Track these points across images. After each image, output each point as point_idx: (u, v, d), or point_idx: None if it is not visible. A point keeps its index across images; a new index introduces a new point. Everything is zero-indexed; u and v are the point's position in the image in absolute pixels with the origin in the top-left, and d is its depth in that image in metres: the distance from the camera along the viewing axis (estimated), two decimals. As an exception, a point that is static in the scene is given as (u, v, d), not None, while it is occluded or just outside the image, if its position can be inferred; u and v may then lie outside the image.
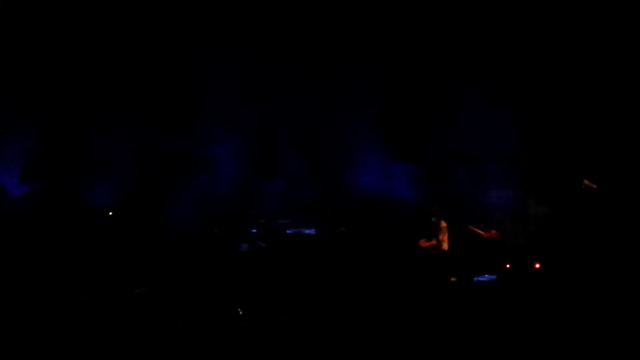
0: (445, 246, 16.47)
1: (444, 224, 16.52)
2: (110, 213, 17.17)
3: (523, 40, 17.43)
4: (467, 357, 13.47)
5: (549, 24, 17.44)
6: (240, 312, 14.18)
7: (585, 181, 16.71)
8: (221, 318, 14.37)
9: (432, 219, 16.61)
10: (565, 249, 16.41)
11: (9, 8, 17.07)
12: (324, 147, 17.85)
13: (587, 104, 17.46)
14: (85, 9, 17.26)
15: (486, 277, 16.01)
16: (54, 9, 17.12)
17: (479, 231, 16.68)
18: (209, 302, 14.87)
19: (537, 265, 16.00)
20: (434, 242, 16.38)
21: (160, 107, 17.50)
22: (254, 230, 17.04)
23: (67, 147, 17.39)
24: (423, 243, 16.46)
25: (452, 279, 15.98)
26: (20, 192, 17.21)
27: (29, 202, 17.04)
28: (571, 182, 17.03)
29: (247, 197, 17.59)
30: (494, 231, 16.73)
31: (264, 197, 17.67)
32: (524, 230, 16.75)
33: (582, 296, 14.88)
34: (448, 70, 17.52)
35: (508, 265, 16.09)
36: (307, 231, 17.04)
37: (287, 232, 16.94)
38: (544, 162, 17.35)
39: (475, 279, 15.92)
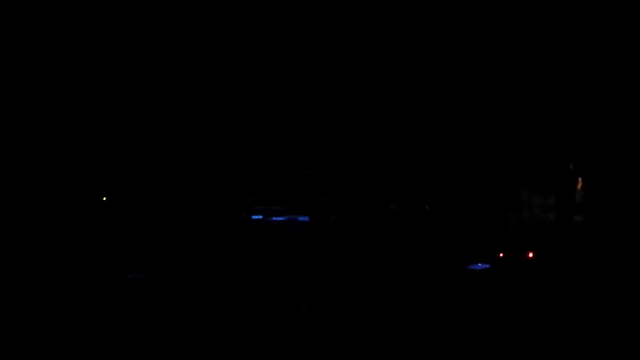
0: None
1: None
2: (105, 198, 17.15)
3: (520, 37, 17.45)
4: (461, 347, 13.48)
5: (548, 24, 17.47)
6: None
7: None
8: (213, 304, 14.39)
9: None
10: (560, 237, 16.45)
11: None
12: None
13: (585, 96, 17.47)
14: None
15: (480, 266, 16.04)
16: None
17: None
18: (203, 288, 14.90)
19: (531, 255, 16.02)
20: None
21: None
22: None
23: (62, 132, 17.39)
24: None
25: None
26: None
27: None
28: (566, 171, 17.06)
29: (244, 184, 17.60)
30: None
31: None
32: (518, 219, 16.78)
33: (576, 286, 14.89)
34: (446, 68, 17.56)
35: (501, 255, 16.12)
36: (301, 219, 17.05)
37: (281, 219, 16.96)
38: (539, 150, 17.36)
39: (469, 267, 15.96)
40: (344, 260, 16.32)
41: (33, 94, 17.11)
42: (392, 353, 13.31)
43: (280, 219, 17.03)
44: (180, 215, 16.92)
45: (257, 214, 17.00)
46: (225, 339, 13.44)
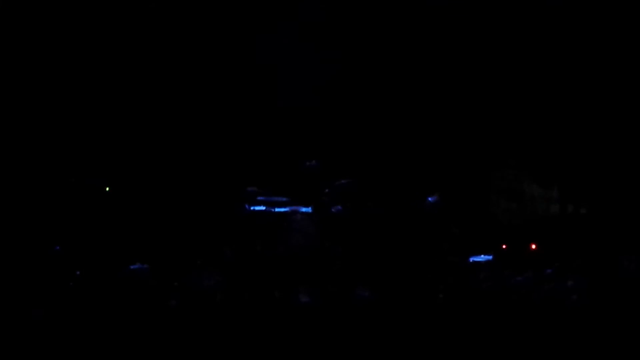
0: None
1: None
2: (108, 189, 17.14)
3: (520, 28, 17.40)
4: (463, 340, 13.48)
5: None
6: None
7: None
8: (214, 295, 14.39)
9: None
10: (563, 230, 16.41)
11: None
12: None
13: (587, 87, 17.41)
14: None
15: (482, 258, 16.03)
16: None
17: None
18: (204, 279, 14.90)
19: (534, 246, 15.99)
20: None
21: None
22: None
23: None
24: None
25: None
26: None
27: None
28: (569, 162, 17.02)
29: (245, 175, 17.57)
30: None
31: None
32: (521, 211, 16.73)
33: (579, 279, 14.86)
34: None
35: (504, 246, 16.09)
36: (303, 209, 17.01)
37: (283, 210, 16.92)
38: (541, 141, 17.32)
39: (471, 259, 15.94)
40: (346, 252, 16.30)
41: (35, 86, 17.12)
42: (395, 345, 13.33)
43: (282, 209, 16.99)
44: (183, 206, 16.92)
45: (259, 205, 16.98)
46: (226, 332, 13.47)
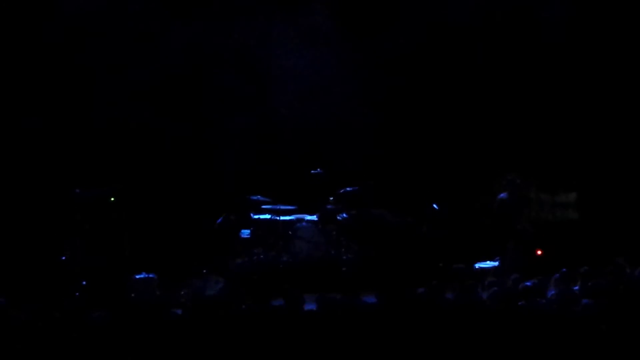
0: None
1: None
2: (112, 199, 17.16)
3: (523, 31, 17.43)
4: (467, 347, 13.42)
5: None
6: None
7: None
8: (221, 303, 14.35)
9: None
10: (570, 235, 16.40)
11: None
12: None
13: (591, 90, 17.43)
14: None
15: (488, 264, 16.00)
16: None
17: None
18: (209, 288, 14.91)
19: (539, 252, 15.94)
20: None
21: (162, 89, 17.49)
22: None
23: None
24: None
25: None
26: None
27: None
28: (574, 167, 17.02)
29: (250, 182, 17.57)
30: None
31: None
32: (527, 216, 16.70)
33: (586, 285, 14.81)
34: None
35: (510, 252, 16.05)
36: (308, 217, 17.02)
37: (289, 218, 16.90)
38: (547, 147, 17.34)
39: (476, 265, 15.92)
40: (352, 259, 16.31)
41: (38, 94, 17.15)
42: (401, 352, 13.27)
43: (288, 218, 16.99)
44: (188, 215, 16.95)
45: (264, 213, 16.97)
46: (232, 341, 13.42)
